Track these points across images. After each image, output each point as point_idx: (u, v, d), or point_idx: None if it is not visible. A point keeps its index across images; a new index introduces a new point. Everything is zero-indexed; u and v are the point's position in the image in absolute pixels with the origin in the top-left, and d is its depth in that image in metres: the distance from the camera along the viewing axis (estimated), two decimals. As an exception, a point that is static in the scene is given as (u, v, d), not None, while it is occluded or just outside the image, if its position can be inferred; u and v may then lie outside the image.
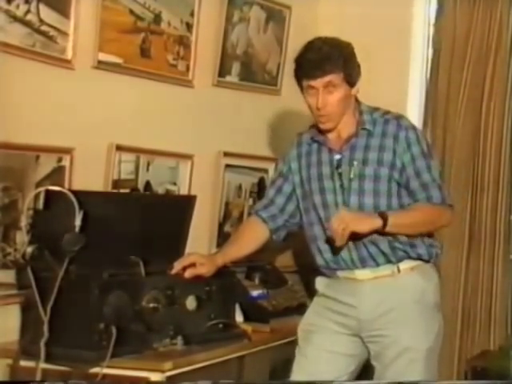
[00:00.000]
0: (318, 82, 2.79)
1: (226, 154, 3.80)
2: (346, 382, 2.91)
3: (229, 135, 3.83)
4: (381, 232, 2.77)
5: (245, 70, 3.92)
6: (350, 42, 2.88)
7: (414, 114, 4.18)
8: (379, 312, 2.84)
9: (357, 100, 2.93)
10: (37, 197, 2.83)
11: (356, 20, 4.20)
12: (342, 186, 2.86)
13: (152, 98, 3.44)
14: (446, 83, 4.09)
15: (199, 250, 3.17)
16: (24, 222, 2.77)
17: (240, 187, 3.91)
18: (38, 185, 2.94)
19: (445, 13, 4.12)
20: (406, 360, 2.80)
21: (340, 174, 2.86)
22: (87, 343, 2.65)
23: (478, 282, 4.03)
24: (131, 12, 3.33)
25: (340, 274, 2.91)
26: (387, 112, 2.95)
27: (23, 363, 2.75)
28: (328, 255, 2.90)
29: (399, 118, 2.92)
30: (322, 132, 2.93)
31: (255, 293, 3.48)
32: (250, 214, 3.25)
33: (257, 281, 3.59)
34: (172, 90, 3.55)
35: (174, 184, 3.57)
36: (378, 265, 2.85)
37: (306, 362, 2.91)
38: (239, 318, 3.29)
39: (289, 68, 4.07)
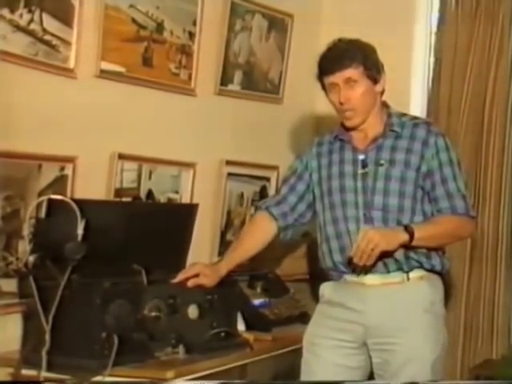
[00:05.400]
0: (337, 77, 2.81)
1: (228, 163, 3.80)
2: (352, 381, 2.88)
3: (231, 144, 3.83)
4: (407, 246, 2.75)
5: (247, 78, 3.92)
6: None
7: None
8: (387, 318, 2.81)
9: (386, 104, 2.93)
10: (39, 206, 2.83)
11: (358, 29, 4.19)
12: (363, 186, 2.83)
13: (154, 107, 3.44)
14: (448, 93, 4.09)
15: (201, 259, 3.17)
16: (26, 230, 2.78)
17: (242, 196, 3.91)
18: (41, 194, 2.94)
19: (446, 22, 4.13)
20: (413, 369, 2.77)
21: (364, 174, 2.84)
22: (89, 352, 2.65)
23: (480, 291, 4.02)
24: (133, 21, 3.33)
25: (348, 277, 2.88)
26: (416, 117, 3.00)
27: (25, 372, 2.73)
28: (338, 257, 2.87)
29: (429, 123, 2.96)
30: (347, 130, 2.91)
31: (257, 301, 3.47)
32: (258, 208, 3.13)
33: (259, 289, 3.58)
34: (174, 99, 3.55)
35: (176, 192, 3.57)
36: (388, 271, 2.82)
37: (315, 378, 2.88)
38: (241, 326, 3.29)
39: (291, 76, 4.12)
